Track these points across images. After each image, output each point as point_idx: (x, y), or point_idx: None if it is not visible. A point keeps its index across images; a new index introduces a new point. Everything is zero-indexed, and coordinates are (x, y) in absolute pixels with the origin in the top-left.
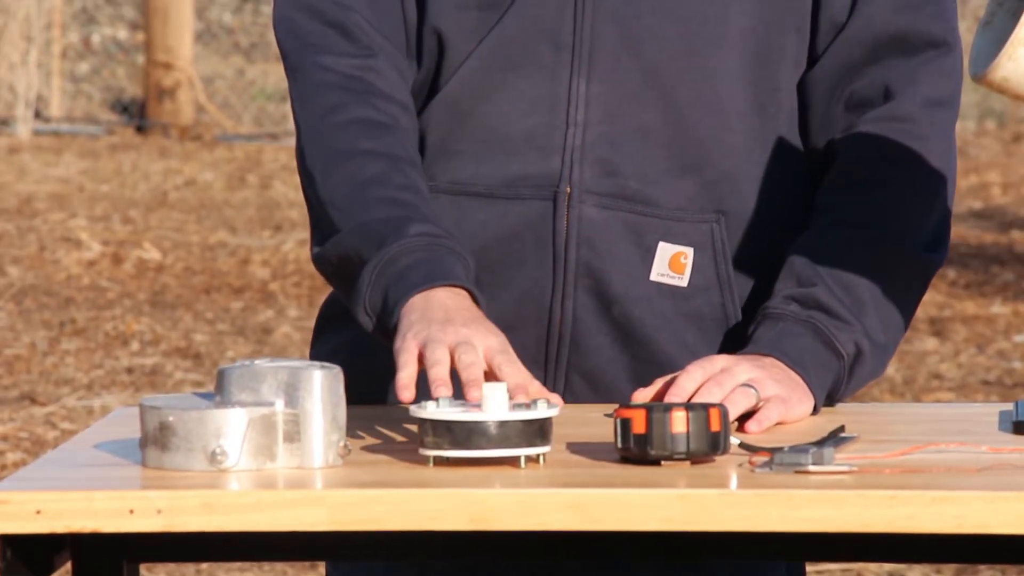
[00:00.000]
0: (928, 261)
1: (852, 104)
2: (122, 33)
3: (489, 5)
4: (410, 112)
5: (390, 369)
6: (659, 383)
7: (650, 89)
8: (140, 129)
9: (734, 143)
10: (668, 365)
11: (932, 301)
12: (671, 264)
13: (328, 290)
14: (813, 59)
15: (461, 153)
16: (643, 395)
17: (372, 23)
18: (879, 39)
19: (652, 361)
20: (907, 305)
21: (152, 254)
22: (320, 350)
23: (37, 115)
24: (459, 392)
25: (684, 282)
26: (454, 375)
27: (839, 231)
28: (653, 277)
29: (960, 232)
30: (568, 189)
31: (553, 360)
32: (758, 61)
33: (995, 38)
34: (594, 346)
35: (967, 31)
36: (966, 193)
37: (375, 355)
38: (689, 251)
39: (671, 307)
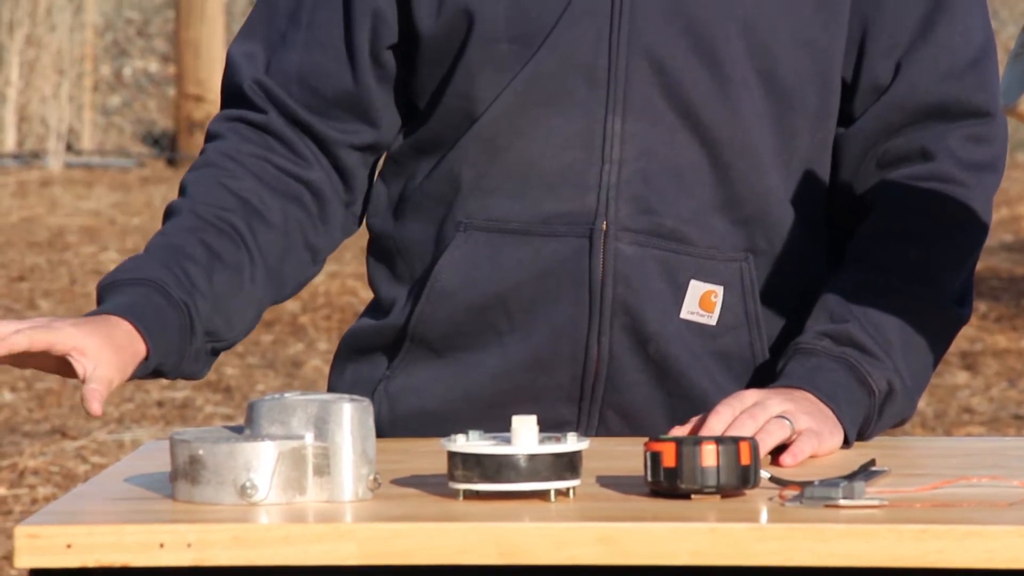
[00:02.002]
0: (958, 315)
1: (886, 161)
2: (153, 66)
3: (521, 39)
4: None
5: (408, 398)
6: (693, 423)
7: (686, 129)
8: (171, 162)
9: (767, 184)
10: (702, 401)
11: (963, 335)
12: (701, 302)
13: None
14: (850, 118)
15: (496, 190)
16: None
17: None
18: (920, 107)
19: (687, 397)
20: (932, 355)
21: None
22: (339, 380)
23: (68, 148)
24: (489, 426)
25: (713, 320)
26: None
27: (873, 276)
28: (683, 315)
29: (991, 265)
30: (604, 226)
31: (588, 397)
32: (781, 107)
33: None
34: (630, 383)
35: (998, 63)
36: (997, 226)
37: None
38: (719, 289)
39: (700, 345)
